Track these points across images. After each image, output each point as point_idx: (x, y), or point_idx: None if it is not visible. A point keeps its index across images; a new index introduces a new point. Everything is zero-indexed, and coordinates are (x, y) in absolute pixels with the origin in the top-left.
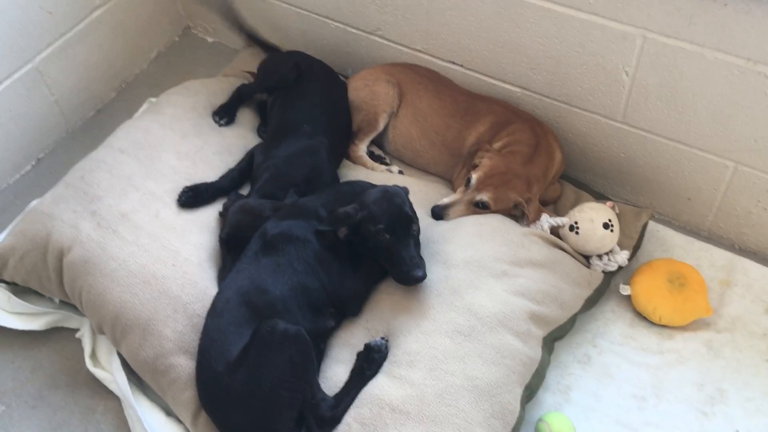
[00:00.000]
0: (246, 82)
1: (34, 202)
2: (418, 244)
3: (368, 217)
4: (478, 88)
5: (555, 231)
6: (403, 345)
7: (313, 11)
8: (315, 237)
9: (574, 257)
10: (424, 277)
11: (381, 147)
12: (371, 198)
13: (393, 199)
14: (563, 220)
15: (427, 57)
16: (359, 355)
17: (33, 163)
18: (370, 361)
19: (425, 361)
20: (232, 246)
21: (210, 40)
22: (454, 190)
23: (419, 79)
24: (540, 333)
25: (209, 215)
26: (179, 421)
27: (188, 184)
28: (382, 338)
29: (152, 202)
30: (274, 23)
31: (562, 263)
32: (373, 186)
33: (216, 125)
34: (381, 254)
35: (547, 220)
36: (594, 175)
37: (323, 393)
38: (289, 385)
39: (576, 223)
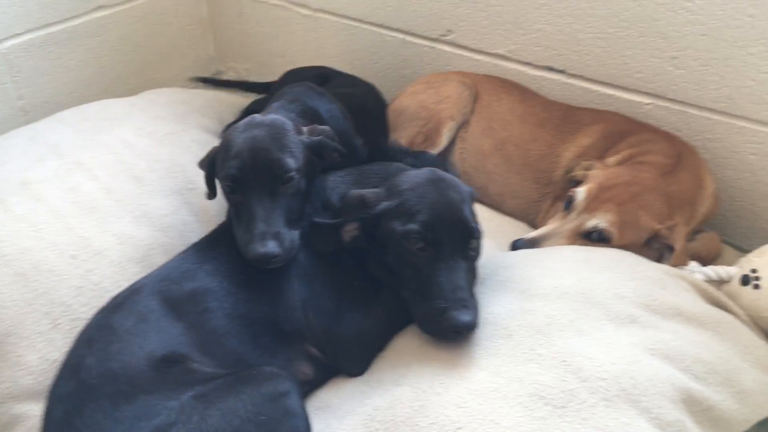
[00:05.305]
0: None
1: None
2: (472, 273)
3: (396, 209)
4: (585, 104)
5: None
6: (433, 412)
7: (365, 20)
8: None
9: (749, 327)
10: (471, 325)
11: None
12: (409, 182)
13: (445, 190)
14: (730, 271)
15: (512, 66)
16: None
17: None
18: None
19: None
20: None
21: None
22: None
23: (501, 82)
24: None
25: (161, 204)
26: None
27: (142, 163)
28: None
29: (74, 172)
30: (317, 42)
31: (735, 330)
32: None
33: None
34: (405, 273)
35: (698, 270)
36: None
37: None
38: None
39: (755, 271)
